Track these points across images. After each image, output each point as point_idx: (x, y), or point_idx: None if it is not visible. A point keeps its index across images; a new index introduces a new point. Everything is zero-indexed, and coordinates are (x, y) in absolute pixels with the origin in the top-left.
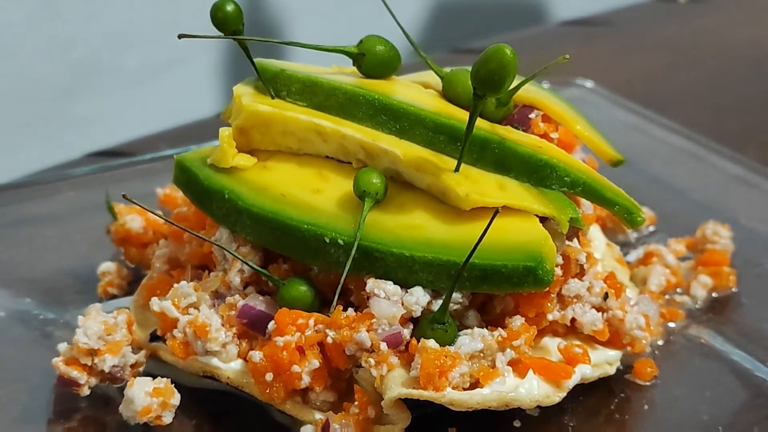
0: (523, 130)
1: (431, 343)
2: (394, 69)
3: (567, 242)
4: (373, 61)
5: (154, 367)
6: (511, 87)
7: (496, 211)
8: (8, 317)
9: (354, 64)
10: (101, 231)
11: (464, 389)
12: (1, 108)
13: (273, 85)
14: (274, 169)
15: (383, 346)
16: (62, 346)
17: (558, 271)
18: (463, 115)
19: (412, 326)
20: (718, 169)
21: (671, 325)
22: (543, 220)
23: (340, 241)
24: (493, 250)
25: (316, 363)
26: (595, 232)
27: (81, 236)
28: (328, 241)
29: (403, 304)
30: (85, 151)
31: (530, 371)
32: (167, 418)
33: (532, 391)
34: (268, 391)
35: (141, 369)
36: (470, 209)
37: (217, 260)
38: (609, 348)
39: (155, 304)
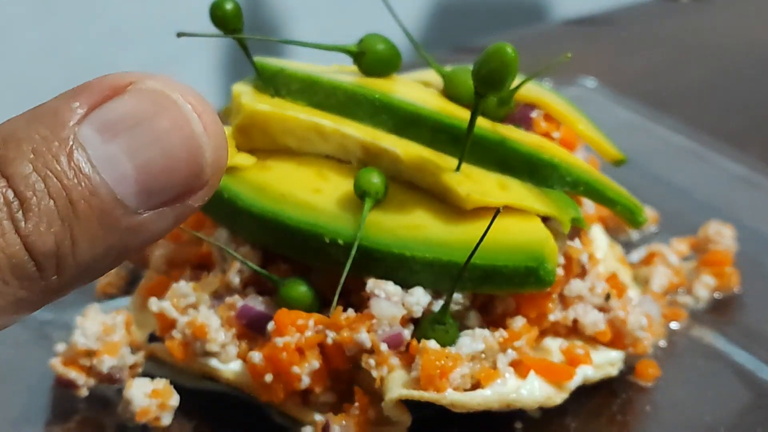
0: (525, 129)
1: (432, 343)
2: (394, 67)
3: (569, 242)
4: (374, 59)
5: (153, 368)
6: (513, 86)
7: (497, 211)
8: None
9: (354, 63)
10: None
11: (465, 390)
12: (0, 107)
13: (273, 83)
14: (274, 168)
15: (383, 347)
16: (60, 347)
17: (560, 271)
18: (465, 114)
19: (412, 327)
20: (721, 169)
21: (674, 325)
22: (545, 220)
23: (340, 242)
24: (494, 251)
25: (316, 364)
26: (597, 232)
27: None
28: (327, 241)
29: (403, 304)
30: None
31: (532, 372)
32: (166, 420)
33: (534, 392)
34: (267, 392)
35: (139, 370)
36: (471, 209)
37: (217, 260)
38: (611, 349)
39: (154, 304)
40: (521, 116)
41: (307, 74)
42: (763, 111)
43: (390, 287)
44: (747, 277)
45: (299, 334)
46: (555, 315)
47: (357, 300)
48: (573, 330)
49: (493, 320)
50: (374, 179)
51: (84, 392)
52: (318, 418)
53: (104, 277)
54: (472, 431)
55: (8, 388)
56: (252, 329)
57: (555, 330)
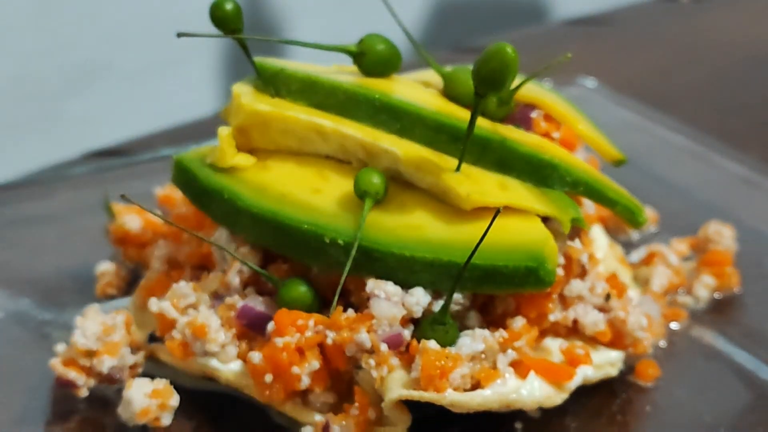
0: (525, 130)
1: (432, 344)
2: (394, 67)
3: (569, 242)
4: (374, 59)
5: (153, 369)
6: (513, 86)
7: (497, 211)
8: (6, 318)
9: (354, 63)
10: (99, 231)
11: (465, 390)
12: (1, 107)
13: (273, 84)
14: (274, 168)
15: (384, 347)
16: (60, 347)
17: (560, 271)
18: (465, 114)
19: (412, 327)
20: (722, 169)
21: (674, 325)
22: (545, 220)
23: (340, 242)
24: (494, 251)
25: (315, 364)
26: (597, 232)
27: (79, 236)
28: (328, 241)
29: (403, 304)
30: (84, 151)
31: (532, 372)
32: (166, 420)
33: (534, 392)
34: (267, 392)
35: (139, 370)
36: (471, 209)
37: (217, 260)
38: (611, 349)
39: (154, 304)
40: (521, 116)
41: (307, 74)
42: (764, 111)
43: (390, 287)
44: (747, 277)
45: (299, 334)
46: (555, 315)
47: (357, 300)
48: (573, 330)
49: (493, 320)
50: (374, 179)
51: (84, 392)
52: (318, 418)
53: (104, 277)
54: (472, 431)
55: (8, 388)
56: (252, 329)
57: (555, 330)
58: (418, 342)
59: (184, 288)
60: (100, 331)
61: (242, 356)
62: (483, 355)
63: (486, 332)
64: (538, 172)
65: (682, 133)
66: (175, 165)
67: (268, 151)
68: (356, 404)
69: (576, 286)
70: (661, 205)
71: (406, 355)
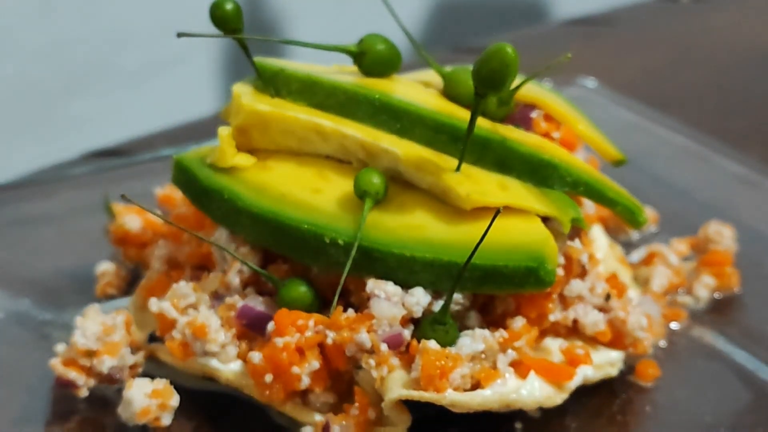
0: (525, 130)
1: (432, 344)
2: (394, 68)
3: (569, 242)
4: (374, 59)
5: (153, 369)
6: (513, 86)
7: (497, 211)
8: (6, 318)
9: (354, 63)
10: (99, 231)
11: (465, 390)
12: (1, 107)
13: (273, 84)
14: (274, 168)
15: (384, 347)
16: (60, 347)
17: (560, 271)
18: (465, 115)
19: (412, 327)
20: (722, 169)
21: (674, 326)
22: (545, 220)
23: (340, 242)
24: (494, 251)
25: (315, 364)
26: (597, 233)
27: (79, 236)
28: (328, 241)
29: (403, 304)
30: (84, 151)
31: (532, 372)
32: (166, 420)
33: (534, 392)
34: (267, 392)
35: (139, 370)
36: (471, 209)
37: (217, 261)
38: (611, 349)
39: (154, 304)
40: (521, 116)
41: (307, 74)
42: (764, 111)
43: (390, 287)
44: (747, 278)
45: (299, 334)
46: (555, 315)
47: (357, 300)
48: (573, 330)
49: (493, 320)
50: (374, 179)
51: (84, 392)
52: (318, 418)
53: (104, 277)
54: (472, 431)
55: (8, 388)
56: (252, 329)
57: (555, 330)
58: (418, 342)
59: (184, 288)
60: (100, 331)
61: (242, 356)
62: (483, 355)
63: (486, 332)
64: (538, 172)
65: (682, 133)
66: (175, 165)
67: (268, 151)
68: (356, 404)
69: (576, 286)
70: (661, 205)
71: (406, 355)
